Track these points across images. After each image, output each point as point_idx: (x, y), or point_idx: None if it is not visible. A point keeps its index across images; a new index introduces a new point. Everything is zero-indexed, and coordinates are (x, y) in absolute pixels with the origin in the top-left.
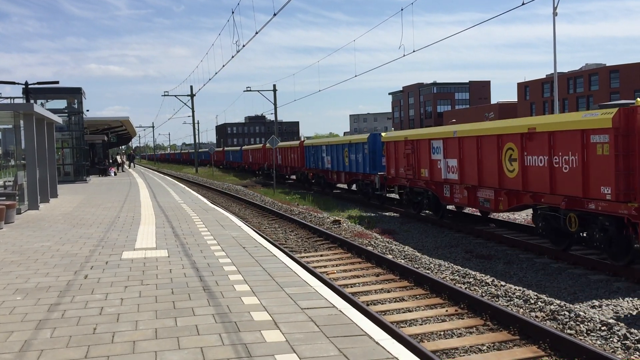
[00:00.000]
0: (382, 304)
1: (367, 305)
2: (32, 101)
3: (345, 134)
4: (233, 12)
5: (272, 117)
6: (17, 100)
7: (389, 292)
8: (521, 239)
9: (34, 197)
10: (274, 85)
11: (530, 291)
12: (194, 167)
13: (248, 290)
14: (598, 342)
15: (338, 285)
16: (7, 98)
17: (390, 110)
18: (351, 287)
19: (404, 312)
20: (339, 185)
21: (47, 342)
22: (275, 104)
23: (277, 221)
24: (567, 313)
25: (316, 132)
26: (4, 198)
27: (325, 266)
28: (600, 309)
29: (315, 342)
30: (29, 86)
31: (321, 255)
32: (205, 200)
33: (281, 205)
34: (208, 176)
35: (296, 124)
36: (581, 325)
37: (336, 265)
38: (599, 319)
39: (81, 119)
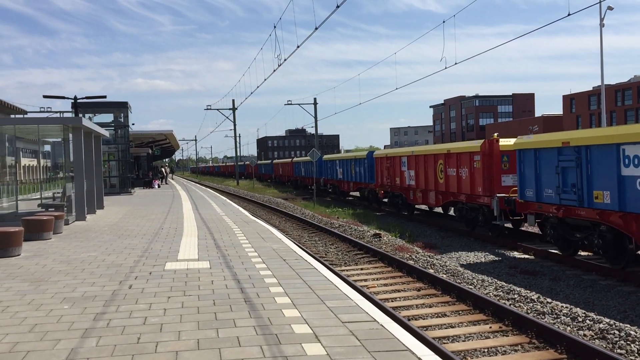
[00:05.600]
0: (424, 319)
1: (409, 320)
2: (80, 115)
3: (385, 147)
4: (275, 27)
5: (312, 130)
6: (66, 114)
7: (430, 307)
8: (568, 254)
9: (81, 209)
10: (315, 99)
11: (578, 309)
12: (234, 180)
13: (289, 303)
14: None
15: (379, 299)
16: (57, 112)
17: (431, 123)
18: (392, 301)
19: (446, 328)
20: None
21: (92, 351)
22: (315, 117)
23: (317, 234)
24: (617, 332)
25: (357, 145)
26: (53, 209)
27: (365, 280)
28: None
29: (356, 356)
30: (78, 100)
31: (361, 269)
32: (246, 212)
33: (321, 218)
34: (249, 189)
35: (336, 137)
36: (632, 345)
37: (377, 279)
38: None
39: (127, 132)
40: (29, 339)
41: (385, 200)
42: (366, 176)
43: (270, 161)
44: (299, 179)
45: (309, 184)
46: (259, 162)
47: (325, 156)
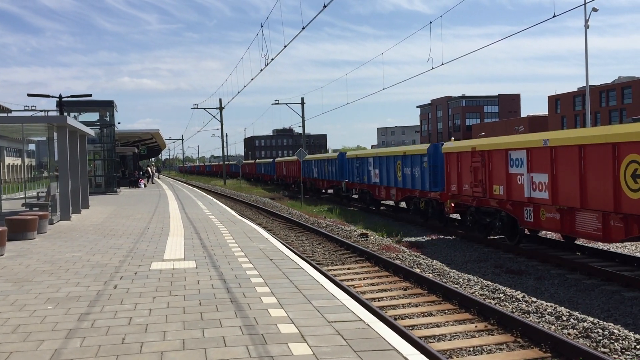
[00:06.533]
0: (410, 318)
1: (395, 319)
2: (65, 114)
3: (372, 146)
4: (262, 26)
5: (300, 130)
6: (51, 113)
7: (417, 306)
8: (553, 254)
9: (66, 208)
10: (302, 99)
11: (563, 308)
12: (222, 179)
13: (275, 303)
14: None
15: (365, 298)
16: (41, 111)
17: (418, 123)
18: (378, 300)
19: (432, 327)
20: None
21: (76, 352)
22: (303, 117)
23: (304, 234)
24: (600, 330)
25: (344, 144)
26: (37, 209)
27: (352, 279)
28: (635, 326)
29: (342, 356)
30: (63, 99)
31: (348, 269)
32: (233, 212)
33: (308, 218)
34: (236, 188)
35: (324, 136)
36: (615, 344)
37: (363, 279)
38: (634, 337)
39: (112, 132)
40: (13, 340)
41: (456, 216)
42: (424, 181)
43: (272, 160)
44: (310, 182)
45: (322, 187)
46: (257, 160)
47: (349, 152)
